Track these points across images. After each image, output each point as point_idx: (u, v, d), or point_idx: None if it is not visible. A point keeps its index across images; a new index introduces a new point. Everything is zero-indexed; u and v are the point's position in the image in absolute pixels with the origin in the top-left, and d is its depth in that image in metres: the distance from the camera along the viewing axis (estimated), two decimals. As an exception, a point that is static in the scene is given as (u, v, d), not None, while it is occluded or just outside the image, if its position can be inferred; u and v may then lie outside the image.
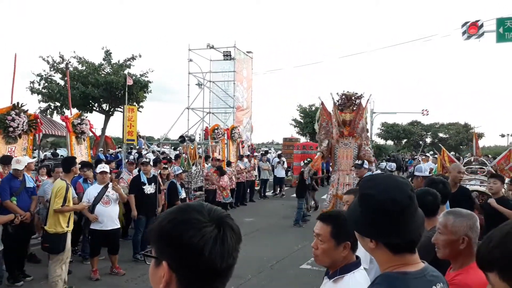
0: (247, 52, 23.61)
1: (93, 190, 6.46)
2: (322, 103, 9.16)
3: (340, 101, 8.70)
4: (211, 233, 0.95)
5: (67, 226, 5.48)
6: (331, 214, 2.11)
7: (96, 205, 6.33)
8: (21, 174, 6.05)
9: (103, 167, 6.70)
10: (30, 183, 6.13)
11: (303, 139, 32.28)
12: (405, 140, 47.74)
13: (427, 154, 19.28)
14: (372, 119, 33.95)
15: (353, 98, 8.61)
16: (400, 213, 1.31)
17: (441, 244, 2.17)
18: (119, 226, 6.67)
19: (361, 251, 2.01)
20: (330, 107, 8.97)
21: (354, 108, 8.61)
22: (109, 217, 6.40)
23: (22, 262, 6.28)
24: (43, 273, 6.34)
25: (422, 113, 35.59)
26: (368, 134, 9.60)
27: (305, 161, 11.81)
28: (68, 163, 5.73)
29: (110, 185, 6.49)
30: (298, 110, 35.60)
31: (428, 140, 49.12)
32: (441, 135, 48.20)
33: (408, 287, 1.31)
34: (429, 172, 11.53)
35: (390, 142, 47.77)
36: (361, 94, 8.77)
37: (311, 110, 35.07)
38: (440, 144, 20.54)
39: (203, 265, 0.94)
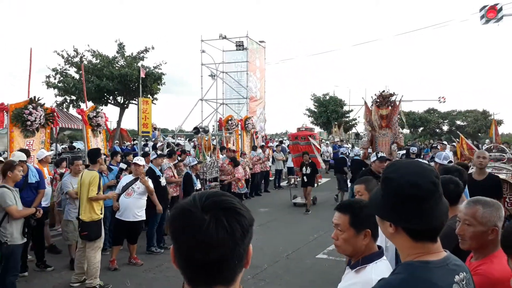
0: (260, 41, 23.47)
1: (124, 180, 6.69)
2: (365, 102, 11.07)
3: (377, 99, 10.49)
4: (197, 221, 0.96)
5: (101, 213, 5.73)
6: (348, 203, 2.10)
7: (121, 194, 6.50)
8: (24, 170, 6.02)
9: (138, 159, 6.80)
10: (33, 178, 6.02)
11: (317, 129, 32.11)
12: (421, 129, 47.03)
13: (444, 142, 18.95)
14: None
15: (387, 97, 10.49)
16: (420, 198, 1.28)
17: (469, 235, 2.09)
18: (139, 219, 6.65)
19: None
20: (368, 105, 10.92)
21: (389, 105, 10.43)
22: (127, 208, 6.50)
23: (42, 253, 6.43)
24: (64, 263, 6.50)
25: (439, 100, 35.01)
26: (397, 126, 11.22)
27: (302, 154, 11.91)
28: (94, 154, 5.99)
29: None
30: (312, 99, 35.38)
31: (446, 128, 48.30)
32: (458, 122, 47.32)
33: (430, 276, 1.27)
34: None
35: (406, 131, 47.18)
36: (394, 93, 10.56)
37: (325, 99, 34.83)
38: (458, 132, 20.16)
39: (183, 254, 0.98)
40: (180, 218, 0.96)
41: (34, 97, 7.88)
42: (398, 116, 10.58)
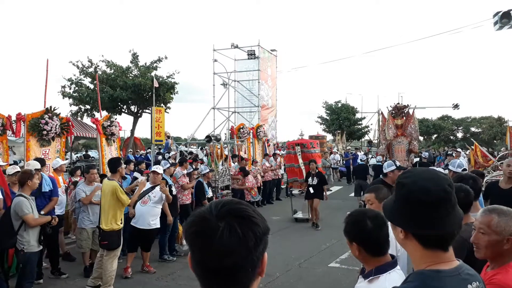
0: (271, 50, 23.58)
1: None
2: (382, 113, 12.41)
3: (393, 111, 11.82)
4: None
5: (121, 223, 5.80)
6: (352, 212, 2.11)
7: (138, 201, 6.55)
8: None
9: (156, 167, 6.87)
10: (46, 187, 6.11)
11: (329, 136, 31.96)
12: (435, 136, 46.47)
13: (458, 150, 18.70)
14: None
15: (402, 108, 11.82)
16: (430, 204, 1.29)
17: (483, 244, 2.05)
18: (153, 227, 6.69)
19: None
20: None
21: (404, 115, 11.63)
22: (142, 216, 6.57)
23: (57, 260, 6.51)
24: (78, 271, 6.57)
25: (453, 107, 34.52)
26: (418, 134, 12.52)
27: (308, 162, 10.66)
28: (114, 164, 5.99)
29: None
30: (323, 107, 35.31)
31: (460, 134, 47.62)
32: (473, 129, 46.62)
33: (442, 285, 1.27)
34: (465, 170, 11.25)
35: (419, 137, 46.72)
36: (408, 105, 11.91)
37: (337, 106, 34.73)
38: (472, 139, 19.88)
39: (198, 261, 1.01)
40: (195, 225, 0.98)
41: (50, 107, 8.04)
42: (415, 125, 11.68)
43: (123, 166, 6.13)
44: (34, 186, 5.19)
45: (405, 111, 11.64)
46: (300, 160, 11.67)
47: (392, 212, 1.39)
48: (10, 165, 6.83)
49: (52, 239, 6.32)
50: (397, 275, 1.90)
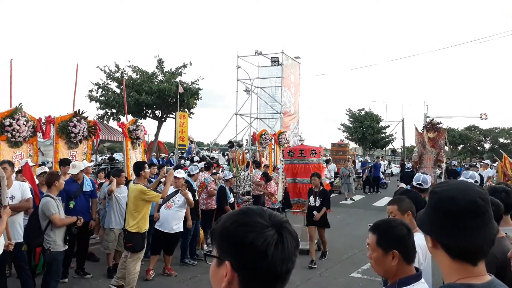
0: (295, 57, 23.61)
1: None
2: (416, 128, 13.92)
3: (427, 125, 13.95)
4: (272, 237, 0.99)
5: (146, 226, 5.89)
6: (378, 222, 2.08)
7: (163, 205, 6.65)
8: (80, 177, 6.42)
9: (177, 172, 6.95)
10: (87, 187, 6.44)
11: (352, 144, 31.55)
12: (461, 146, 45.32)
13: (486, 161, 18.18)
14: (425, 124, 32.64)
15: (435, 124, 13.80)
16: (456, 214, 1.29)
17: None
18: (176, 231, 6.74)
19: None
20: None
21: (436, 130, 13.43)
22: (166, 220, 6.64)
23: (83, 261, 6.66)
24: (102, 272, 6.70)
25: (481, 117, 33.59)
26: (446, 147, 14.63)
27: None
28: (138, 167, 6.10)
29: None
30: (347, 114, 35.00)
31: (487, 145, 46.28)
32: (501, 140, 45.26)
33: (473, 300, 1.24)
34: (484, 181, 10.99)
35: (445, 148, 45.62)
36: (440, 122, 14.09)
37: (361, 114, 34.35)
38: (501, 150, 19.28)
39: (265, 267, 0.98)
40: (265, 235, 0.99)
41: (79, 110, 8.27)
42: (445, 140, 13.53)
43: (147, 169, 6.21)
44: (60, 186, 5.34)
45: (438, 127, 13.66)
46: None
47: (423, 219, 1.41)
48: (39, 166, 7.06)
49: (83, 239, 6.51)
50: None
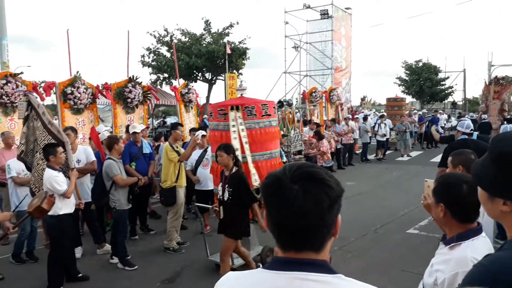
0: (346, 8, 22.48)
1: (194, 155, 6.95)
2: (485, 82, 15.85)
3: (493, 80, 15.93)
4: None
5: (176, 181, 6.05)
6: (445, 175, 2.00)
7: (198, 167, 6.87)
8: (139, 140, 6.73)
9: (201, 132, 7.08)
10: (147, 150, 6.78)
11: (409, 98, 30.06)
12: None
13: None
14: (490, 73, 30.24)
15: (500, 79, 15.65)
16: None
17: None
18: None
19: None
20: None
21: (501, 84, 15.19)
22: (207, 178, 6.83)
23: (145, 218, 7.11)
24: (163, 227, 7.10)
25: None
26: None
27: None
28: (172, 127, 6.57)
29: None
30: (403, 67, 33.27)
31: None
32: None
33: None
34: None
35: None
36: (505, 76, 16.01)
37: (418, 66, 32.50)
38: None
39: None
40: (270, 187, 1.01)
41: (133, 76, 8.54)
42: (509, 93, 15.03)
43: (177, 130, 6.36)
44: (120, 149, 5.64)
45: (501, 82, 15.19)
46: (244, 138, 5.06)
47: (494, 183, 1.25)
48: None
49: (144, 199, 6.91)
50: (480, 243, 1.77)
